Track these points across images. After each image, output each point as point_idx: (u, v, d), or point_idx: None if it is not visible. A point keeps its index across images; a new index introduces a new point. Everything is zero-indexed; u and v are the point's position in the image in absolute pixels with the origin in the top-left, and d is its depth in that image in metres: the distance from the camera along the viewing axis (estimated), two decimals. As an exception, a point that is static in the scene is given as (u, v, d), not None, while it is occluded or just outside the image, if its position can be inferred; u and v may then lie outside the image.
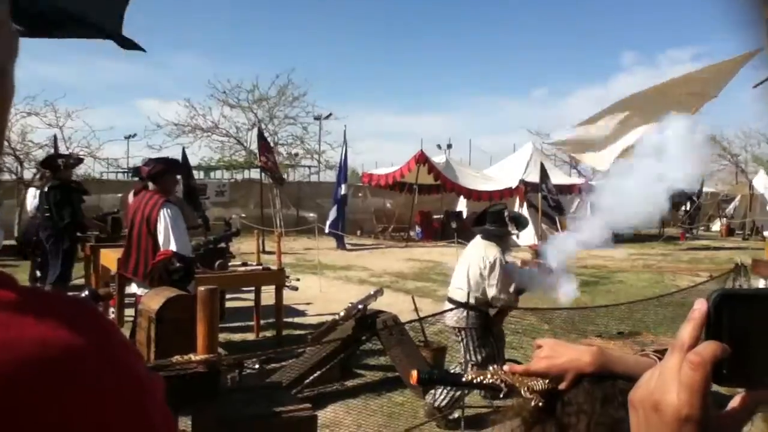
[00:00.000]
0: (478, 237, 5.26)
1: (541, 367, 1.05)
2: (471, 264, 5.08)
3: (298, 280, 7.95)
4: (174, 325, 3.33)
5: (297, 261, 14.80)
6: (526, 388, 1.05)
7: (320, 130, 27.34)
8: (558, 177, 22.63)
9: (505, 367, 1.09)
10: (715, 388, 0.59)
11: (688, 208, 25.53)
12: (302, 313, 8.97)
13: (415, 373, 1.21)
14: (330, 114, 27.66)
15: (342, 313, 5.50)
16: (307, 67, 70.22)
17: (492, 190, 20.31)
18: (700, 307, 0.61)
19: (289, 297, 7.98)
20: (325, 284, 11.13)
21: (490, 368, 1.12)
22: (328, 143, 26.55)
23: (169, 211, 4.89)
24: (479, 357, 4.98)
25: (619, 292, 10.97)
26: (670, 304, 7.20)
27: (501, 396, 1.12)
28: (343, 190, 18.78)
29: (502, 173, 22.04)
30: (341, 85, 67.03)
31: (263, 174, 19.07)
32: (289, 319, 8.14)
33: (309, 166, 29.34)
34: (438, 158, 21.56)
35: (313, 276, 11.56)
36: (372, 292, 5.87)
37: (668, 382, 0.60)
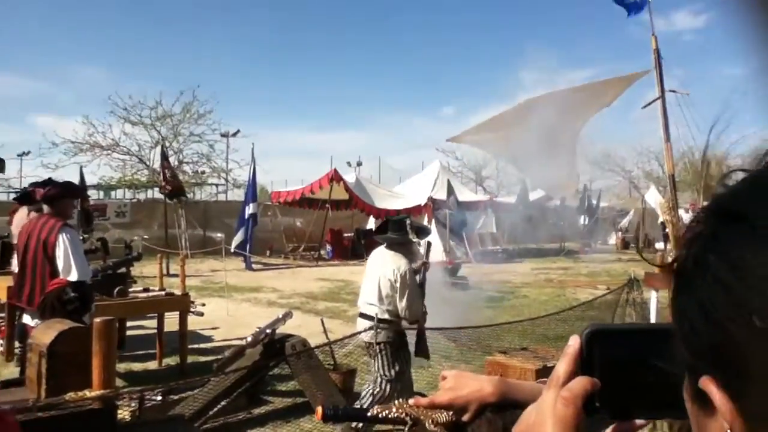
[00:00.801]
0: (382, 247, 5.22)
1: (445, 399, 1.06)
2: (381, 277, 5.03)
3: (203, 305, 7.74)
4: (67, 360, 3.15)
5: (203, 283, 14.40)
6: (430, 421, 1.06)
7: (227, 148, 26.96)
8: (464, 194, 23.23)
9: (411, 401, 1.10)
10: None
11: (587, 223, 26.77)
12: (208, 339, 8.72)
13: (319, 410, 1.20)
14: (238, 131, 27.35)
15: (249, 339, 5.38)
16: (213, 84, 68.98)
17: (401, 208, 20.57)
18: (573, 343, 0.64)
19: (194, 322, 7.73)
20: (232, 307, 10.87)
21: (395, 402, 1.13)
22: (235, 161, 26.24)
23: (68, 235, 4.64)
24: (392, 372, 4.97)
25: (522, 307, 11.34)
26: (569, 318, 7.52)
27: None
28: (251, 209, 18.47)
29: (411, 191, 22.38)
30: (249, 103, 66.17)
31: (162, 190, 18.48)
32: (194, 345, 7.88)
33: (216, 184, 28.80)
34: (348, 176, 21.65)
35: (220, 299, 11.29)
36: (281, 316, 5.77)
37: (544, 417, 0.64)
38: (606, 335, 0.65)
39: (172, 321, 7.43)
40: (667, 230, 22.30)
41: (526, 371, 4.92)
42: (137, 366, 7.20)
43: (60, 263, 4.58)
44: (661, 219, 24.98)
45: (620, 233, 28.07)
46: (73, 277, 4.39)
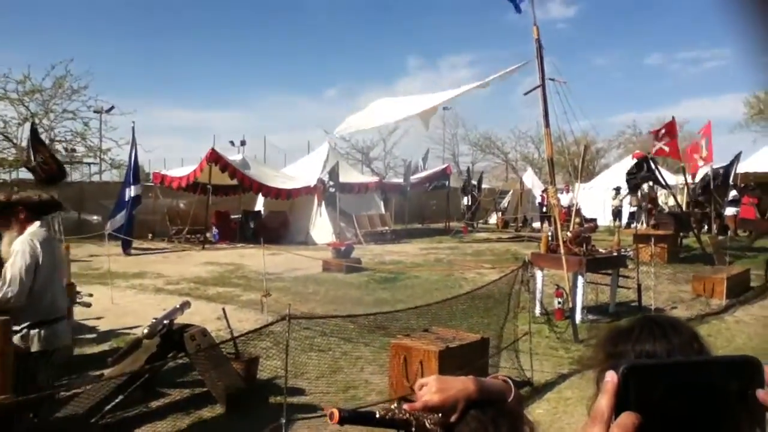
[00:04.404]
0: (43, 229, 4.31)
1: (437, 400, 1.11)
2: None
3: (90, 295, 7.31)
4: (-47, 365, 2.89)
5: (81, 270, 13.56)
6: (429, 421, 1.12)
7: (101, 125, 25.46)
8: (352, 175, 23.31)
9: (405, 406, 1.14)
10: None
11: (469, 204, 27.68)
12: (93, 330, 8.25)
13: (336, 413, 1.17)
14: (112, 107, 25.86)
15: (146, 330, 5.15)
16: (87, 59, 64.65)
17: (291, 188, 20.34)
18: (611, 379, 0.67)
19: (76, 311, 7.29)
20: (116, 295, 10.35)
21: (394, 405, 1.18)
22: (113, 140, 24.79)
23: None
24: None
25: (416, 287, 11.58)
26: (463, 298, 7.77)
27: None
28: (133, 191, 17.57)
29: (300, 172, 22.14)
30: (126, 79, 62.69)
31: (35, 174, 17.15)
32: (78, 336, 7.44)
33: (90, 163, 27.17)
34: (234, 156, 21.06)
35: (102, 286, 10.69)
36: (178, 306, 5.57)
37: None
38: (642, 370, 0.68)
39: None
40: (544, 210, 23.61)
41: (429, 353, 5.05)
42: (16, 362, 6.71)
43: None
44: (538, 200, 26.42)
45: (500, 213, 29.24)
46: None
